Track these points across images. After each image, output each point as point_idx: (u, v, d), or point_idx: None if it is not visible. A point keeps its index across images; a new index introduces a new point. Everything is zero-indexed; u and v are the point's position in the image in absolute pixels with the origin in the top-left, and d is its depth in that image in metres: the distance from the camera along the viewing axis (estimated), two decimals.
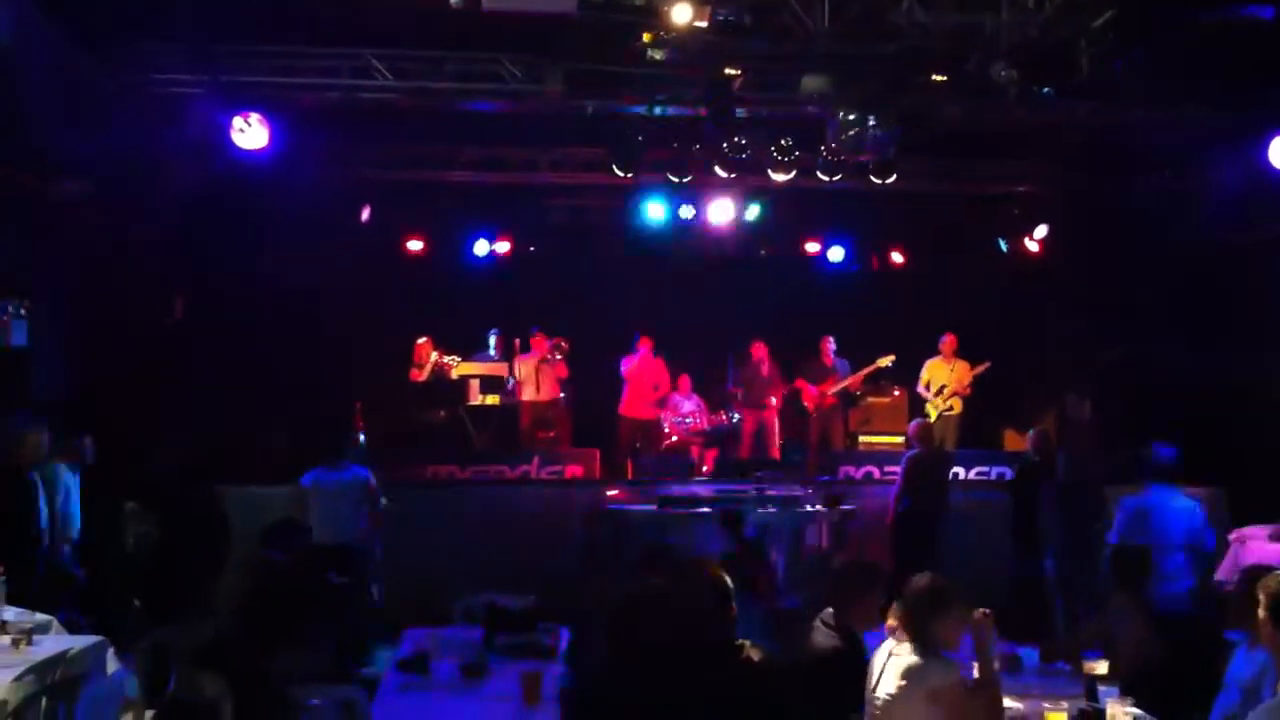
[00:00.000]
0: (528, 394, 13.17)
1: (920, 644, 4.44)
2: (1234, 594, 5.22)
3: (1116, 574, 5.97)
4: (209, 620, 5.12)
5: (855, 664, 4.80)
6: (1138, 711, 4.71)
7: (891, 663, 4.51)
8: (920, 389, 13.16)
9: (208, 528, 8.82)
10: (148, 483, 9.11)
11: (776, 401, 13.43)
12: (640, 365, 13.43)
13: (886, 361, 13.35)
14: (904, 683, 4.39)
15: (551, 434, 13.11)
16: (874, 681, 4.58)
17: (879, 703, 4.52)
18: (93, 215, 10.09)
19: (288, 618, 5.04)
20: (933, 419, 12.39)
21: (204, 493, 8.97)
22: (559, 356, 13.19)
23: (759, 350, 13.40)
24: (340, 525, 8.60)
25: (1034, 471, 9.84)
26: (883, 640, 4.95)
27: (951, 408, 12.95)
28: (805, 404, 13.57)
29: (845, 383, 13.41)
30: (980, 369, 13.02)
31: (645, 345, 13.41)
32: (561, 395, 13.42)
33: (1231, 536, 9.69)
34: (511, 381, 13.11)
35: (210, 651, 3.82)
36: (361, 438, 11.01)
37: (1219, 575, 9.42)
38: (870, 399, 13.71)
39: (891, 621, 4.88)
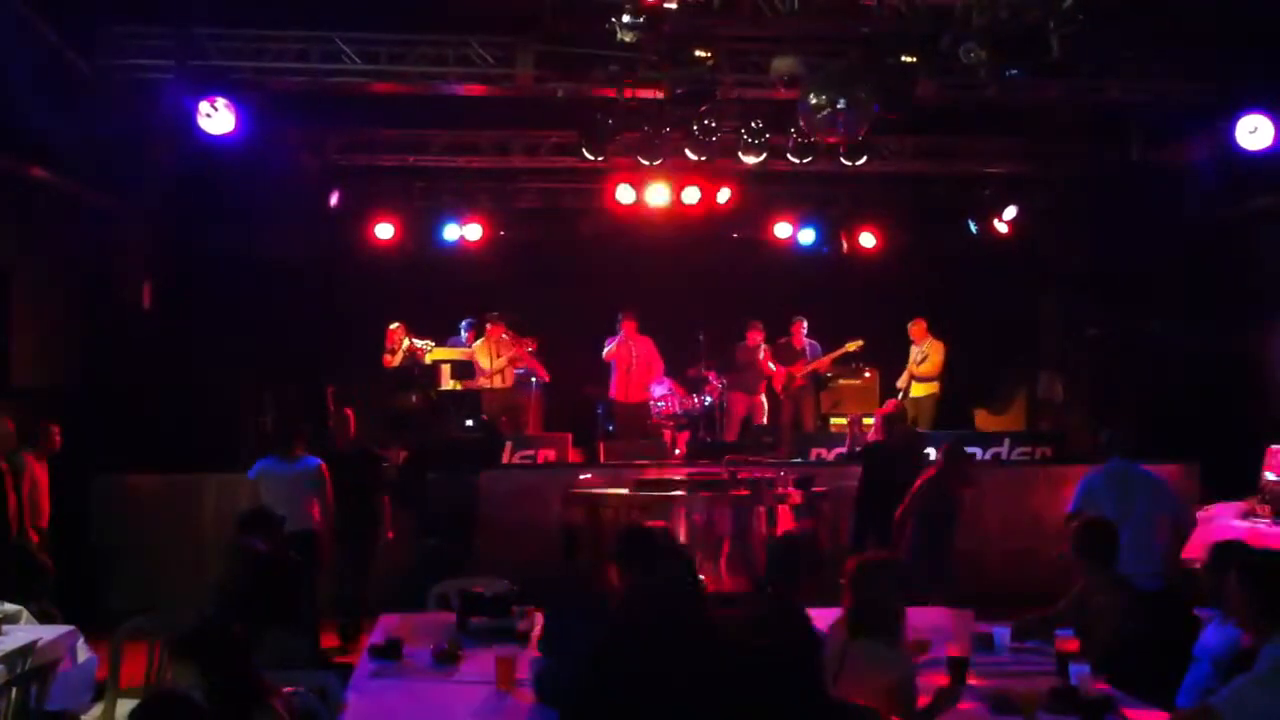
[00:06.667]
0: (488, 381, 13.07)
1: (883, 632, 4.40)
2: (1205, 569, 5.23)
3: (1088, 549, 5.82)
4: None
5: (786, 632, 4.74)
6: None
7: (851, 647, 4.51)
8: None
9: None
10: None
11: (772, 383, 13.50)
12: (621, 347, 13.28)
13: (854, 346, 13.41)
14: (862, 669, 4.38)
15: (511, 420, 12.95)
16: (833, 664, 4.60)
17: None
18: (70, 200, 9.99)
19: (272, 606, 5.00)
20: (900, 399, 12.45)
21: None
22: (508, 349, 13.06)
23: (754, 336, 13.40)
24: (291, 516, 8.49)
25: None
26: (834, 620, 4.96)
27: (908, 390, 13.02)
28: (774, 386, 13.60)
29: (813, 365, 13.45)
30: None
31: (626, 326, 13.23)
32: (516, 380, 13.30)
33: (1200, 515, 9.76)
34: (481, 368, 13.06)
35: (189, 640, 3.77)
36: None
37: (1187, 553, 9.49)
38: (842, 381, 13.77)
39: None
